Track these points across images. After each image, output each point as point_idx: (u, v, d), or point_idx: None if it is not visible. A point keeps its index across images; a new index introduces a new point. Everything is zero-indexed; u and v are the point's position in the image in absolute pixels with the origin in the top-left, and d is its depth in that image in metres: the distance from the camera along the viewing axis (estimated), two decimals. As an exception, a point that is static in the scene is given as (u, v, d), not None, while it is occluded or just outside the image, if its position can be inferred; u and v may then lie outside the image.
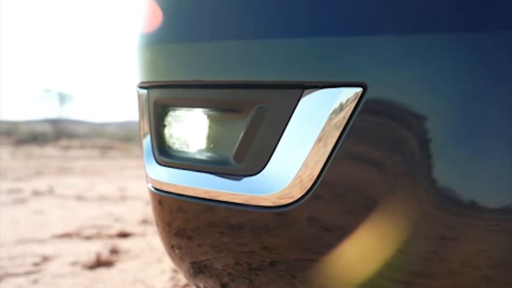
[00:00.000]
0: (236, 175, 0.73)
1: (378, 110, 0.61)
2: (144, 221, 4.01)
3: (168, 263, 2.79)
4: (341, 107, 0.63)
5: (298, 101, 0.67)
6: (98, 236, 3.46)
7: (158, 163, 0.85)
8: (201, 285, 0.89)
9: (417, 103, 0.59)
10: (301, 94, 0.66)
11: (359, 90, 0.62)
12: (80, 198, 5.28)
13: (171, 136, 0.83)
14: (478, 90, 0.57)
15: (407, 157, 0.60)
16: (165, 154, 0.84)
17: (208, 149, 0.78)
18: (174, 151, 0.83)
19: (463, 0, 0.58)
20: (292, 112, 0.67)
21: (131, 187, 6.25)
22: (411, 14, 0.60)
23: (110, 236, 3.46)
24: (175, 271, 2.63)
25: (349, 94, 0.62)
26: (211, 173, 0.76)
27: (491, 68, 0.56)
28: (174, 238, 0.87)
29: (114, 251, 3.03)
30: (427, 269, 0.62)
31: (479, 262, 0.60)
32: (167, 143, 0.84)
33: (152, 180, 0.86)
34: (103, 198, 5.29)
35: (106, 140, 18.56)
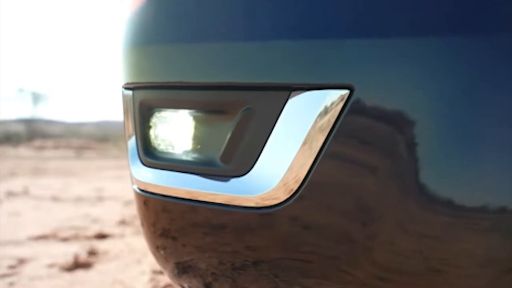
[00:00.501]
0: (223, 176, 0.74)
1: (364, 112, 0.62)
2: (122, 222, 3.98)
3: (147, 264, 2.78)
4: (328, 109, 0.63)
5: (285, 103, 0.67)
6: (75, 237, 3.42)
7: (144, 164, 0.85)
8: (185, 285, 0.89)
9: (403, 105, 0.60)
10: (288, 96, 0.67)
11: (345, 92, 0.62)
12: (56, 199, 5.21)
13: (156, 137, 0.83)
14: (464, 91, 0.58)
15: (394, 159, 0.61)
16: (150, 155, 0.84)
17: (194, 150, 0.78)
18: (160, 152, 0.83)
19: (447, 4, 0.60)
20: (279, 114, 0.68)
21: (108, 187, 6.19)
22: (398, 17, 0.61)
23: (88, 238, 3.42)
24: (155, 272, 2.62)
25: (336, 96, 0.63)
26: (197, 174, 0.77)
27: (477, 70, 0.58)
28: (159, 239, 0.87)
29: (92, 253, 3.00)
30: (413, 268, 0.63)
31: (465, 261, 0.61)
32: (152, 144, 0.84)
33: (137, 181, 0.85)
34: (79, 199, 5.23)
35: (81, 140, 18.32)
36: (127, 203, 4.93)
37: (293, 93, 0.67)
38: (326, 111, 0.63)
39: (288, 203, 0.68)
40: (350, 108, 0.62)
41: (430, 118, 0.59)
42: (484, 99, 0.58)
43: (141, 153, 0.85)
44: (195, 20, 0.75)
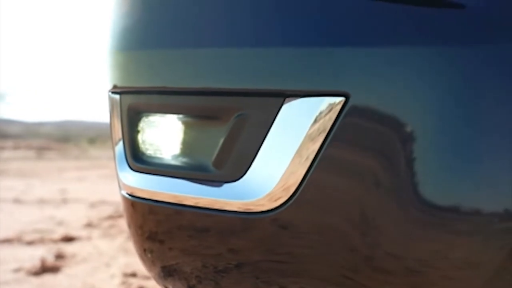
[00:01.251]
0: (215, 181, 0.74)
1: (360, 119, 0.63)
2: (89, 225, 3.92)
3: (117, 267, 2.74)
4: (323, 116, 0.64)
5: (279, 109, 0.68)
6: (41, 240, 3.35)
7: (132, 169, 0.84)
8: (170, 287, 0.90)
9: (399, 112, 0.62)
10: (282, 102, 0.68)
11: (341, 99, 0.64)
12: (17, 201, 5.07)
13: (146, 142, 0.83)
14: (460, 98, 0.60)
15: (389, 166, 0.63)
16: (140, 160, 0.83)
17: (185, 155, 0.78)
18: (149, 157, 0.82)
19: (444, 15, 0.62)
20: (273, 120, 0.69)
21: (72, 189, 6.07)
22: (394, 26, 0.63)
23: (54, 241, 3.35)
24: (125, 275, 2.59)
25: (331, 103, 0.64)
26: (188, 179, 0.77)
27: (472, 77, 0.60)
28: (147, 242, 0.86)
29: (59, 256, 2.94)
30: (407, 271, 0.66)
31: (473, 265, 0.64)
32: (141, 149, 0.83)
33: (126, 186, 0.85)
34: (42, 201, 5.11)
35: (41, 140, 17.87)
36: (92, 205, 4.85)
37: (287, 99, 0.68)
38: (321, 117, 0.65)
39: (282, 208, 0.69)
40: (345, 115, 0.63)
41: (425, 124, 0.61)
42: (481, 105, 0.60)
43: (129, 158, 0.85)
44: (189, 25, 0.75)
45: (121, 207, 3.42)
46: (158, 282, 0.94)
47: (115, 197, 5.27)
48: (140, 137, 0.83)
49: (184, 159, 0.78)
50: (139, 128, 0.83)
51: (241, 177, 0.72)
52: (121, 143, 0.87)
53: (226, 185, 0.73)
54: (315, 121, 0.65)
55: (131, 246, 3.23)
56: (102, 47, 0.95)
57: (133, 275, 2.58)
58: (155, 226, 0.84)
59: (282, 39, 0.68)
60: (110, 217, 4.21)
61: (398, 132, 0.62)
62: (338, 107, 0.64)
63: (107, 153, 13.40)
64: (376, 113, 0.62)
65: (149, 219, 0.84)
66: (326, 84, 0.65)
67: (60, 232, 3.58)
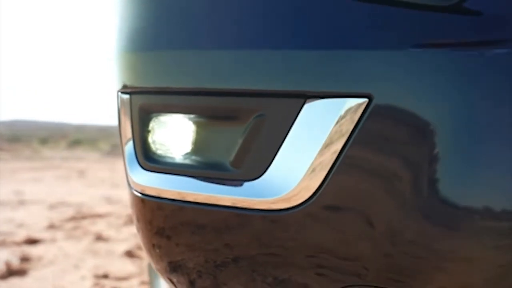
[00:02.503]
0: (234, 180, 0.76)
1: (383, 120, 0.66)
2: (51, 226, 3.83)
3: (87, 269, 2.70)
4: (346, 117, 0.67)
5: (300, 110, 0.71)
6: (3, 243, 3.25)
7: (144, 168, 0.85)
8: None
9: (421, 114, 0.65)
10: (304, 103, 0.70)
11: (364, 100, 0.67)
12: (-28, 203, 4.90)
13: (159, 141, 0.84)
14: (484, 100, 0.63)
15: (412, 168, 0.65)
16: (151, 159, 0.84)
17: (201, 154, 0.79)
18: (162, 156, 0.83)
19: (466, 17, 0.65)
20: (294, 121, 0.71)
21: (28, 190, 5.90)
22: (416, 29, 0.66)
23: (17, 243, 3.27)
24: (97, 276, 2.55)
25: (354, 104, 0.67)
26: (204, 178, 0.79)
27: (494, 78, 0.64)
28: (155, 238, 0.88)
29: (25, 259, 2.87)
30: (425, 271, 0.69)
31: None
32: (154, 148, 0.84)
33: (137, 185, 0.86)
34: (-1, 203, 4.95)
35: (-10, 140, 17.22)
36: (52, 207, 4.74)
37: (308, 100, 0.70)
38: (344, 118, 0.67)
39: (302, 207, 0.71)
40: (368, 116, 0.66)
41: (450, 126, 0.64)
42: (506, 109, 0.64)
43: (140, 157, 0.86)
44: (210, 27, 0.76)
45: (82, 208, 3.38)
46: (163, 276, 0.95)
47: (75, 198, 5.17)
48: (152, 137, 0.84)
49: (200, 158, 0.80)
50: (152, 128, 0.84)
51: (260, 176, 0.74)
52: (131, 142, 0.88)
53: (246, 184, 0.75)
54: (338, 122, 0.68)
55: (99, 247, 3.19)
56: (110, 47, 0.95)
57: (105, 276, 2.55)
58: (164, 223, 0.85)
59: (302, 42, 0.70)
60: (73, 218, 4.13)
61: (420, 134, 0.65)
62: (361, 108, 0.66)
63: (61, 154, 13.08)
64: (399, 114, 0.65)
65: (160, 216, 0.86)
66: (348, 86, 0.67)
67: (22, 235, 3.49)
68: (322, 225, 0.71)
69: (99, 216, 4.24)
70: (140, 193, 0.87)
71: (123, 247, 3.15)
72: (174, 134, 0.82)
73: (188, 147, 0.81)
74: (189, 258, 0.85)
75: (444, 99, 0.64)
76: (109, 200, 5.16)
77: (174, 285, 0.94)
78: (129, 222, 3.98)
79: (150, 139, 0.85)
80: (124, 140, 0.90)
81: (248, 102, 0.74)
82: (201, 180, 0.79)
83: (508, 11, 0.64)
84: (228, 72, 0.75)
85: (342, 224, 0.70)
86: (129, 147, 0.89)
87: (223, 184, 0.77)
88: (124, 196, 5.45)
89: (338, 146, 0.68)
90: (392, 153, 0.66)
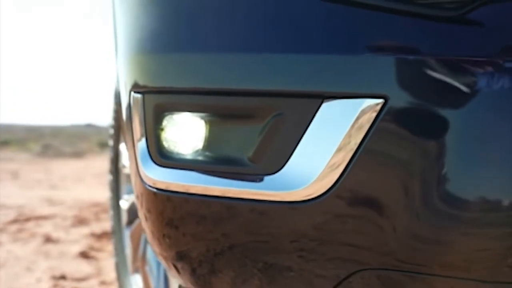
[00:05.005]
0: (252, 175, 0.82)
1: (398, 120, 0.72)
2: (-5, 229, 3.69)
3: (41, 271, 2.65)
4: (363, 117, 0.74)
5: (317, 110, 0.78)
6: None
7: (158, 165, 0.90)
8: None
9: (438, 115, 0.71)
10: (321, 103, 0.77)
11: (381, 101, 0.73)
12: None
13: (174, 139, 0.88)
14: (500, 104, 0.70)
15: (427, 170, 0.72)
16: (167, 156, 0.88)
17: (221, 150, 0.85)
18: (178, 153, 0.88)
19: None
20: (311, 120, 0.77)
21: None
22: (430, 36, 0.73)
23: (-39, 247, 3.13)
24: (55, 278, 2.51)
25: (370, 105, 0.74)
26: (224, 172, 0.84)
27: (506, 85, 0.70)
28: (166, 228, 0.92)
29: (-28, 263, 2.77)
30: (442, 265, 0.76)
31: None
32: (169, 146, 0.89)
33: (151, 180, 0.90)
34: None
35: None
36: (-9, 208, 4.55)
37: (325, 100, 0.77)
38: (360, 118, 0.74)
39: (320, 199, 0.77)
40: (384, 116, 0.73)
41: (465, 128, 0.71)
42: None
43: (154, 154, 0.90)
44: (231, 28, 0.82)
45: (24, 210, 3.30)
46: (168, 263, 0.99)
47: (14, 200, 4.98)
48: (168, 135, 0.89)
49: (218, 155, 0.85)
50: (168, 126, 0.88)
51: (279, 170, 0.81)
52: (143, 140, 0.92)
53: (265, 178, 0.81)
54: (354, 121, 0.74)
55: (50, 249, 3.12)
56: (121, 49, 0.98)
57: (63, 277, 2.51)
58: (175, 214, 0.90)
59: (320, 46, 0.77)
60: (16, 220, 4.00)
61: (437, 135, 0.71)
62: (377, 109, 0.74)
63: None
64: (413, 115, 0.72)
65: (171, 208, 0.90)
66: (365, 87, 0.74)
67: (-36, 238, 3.35)
68: (339, 215, 0.78)
69: (44, 218, 4.12)
70: (153, 187, 0.91)
71: (76, 248, 3.10)
72: (191, 131, 0.87)
73: (206, 143, 0.86)
74: (196, 247, 0.91)
75: (457, 102, 0.71)
76: (50, 202, 5.01)
77: (178, 271, 0.99)
78: (77, 223, 3.90)
79: (165, 137, 0.89)
80: (136, 138, 0.94)
81: (267, 102, 0.80)
82: (219, 175, 0.85)
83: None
84: (249, 74, 0.80)
85: (357, 215, 0.77)
86: (141, 144, 0.93)
87: (241, 178, 0.83)
88: (67, 197, 5.32)
89: (356, 143, 0.74)
90: (406, 151, 0.72)
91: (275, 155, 0.80)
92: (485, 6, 0.72)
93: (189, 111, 0.87)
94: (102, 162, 9.84)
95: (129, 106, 0.96)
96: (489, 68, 0.71)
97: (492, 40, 0.72)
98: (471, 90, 0.71)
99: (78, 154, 12.90)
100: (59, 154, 12.80)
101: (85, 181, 7.03)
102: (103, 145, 15.01)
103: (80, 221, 3.97)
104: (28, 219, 4.05)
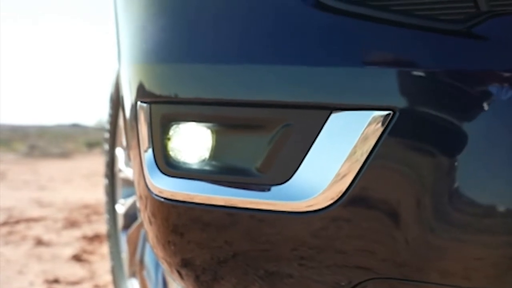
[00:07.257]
0: (260, 184, 0.83)
1: (406, 132, 0.74)
2: (-17, 232, 3.66)
3: (33, 274, 2.63)
4: (371, 128, 0.76)
5: (325, 121, 0.79)
6: None
7: (165, 174, 0.90)
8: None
9: (446, 127, 0.73)
10: (329, 114, 0.77)
11: (389, 113, 0.74)
12: None
13: (185, 149, 0.89)
14: (508, 116, 0.72)
15: (435, 183, 0.73)
16: (177, 166, 0.89)
17: (228, 160, 0.86)
18: (188, 163, 0.89)
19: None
20: (320, 131, 0.79)
21: None
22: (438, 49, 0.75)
23: (-49, 250, 3.10)
24: (48, 281, 2.50)
25: (379, 116, 0.75)
26: (232, 182, 0.85)
27: None
28: (171, 235, 0.93)
29: (-37, 267, 2.74)
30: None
31: None
32: (179, 156, 0.89)
33: (157, 189, 0.91)
34: None
35: None
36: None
37: (334, 111, 0.77)
38: (368, 130, 0.75)
39: (329, 209, 0.78)
40: (392, 128, 0.74)
41: (472, 139, 0.72)
42: None
43: (161, 163, 0.90)
44: (241, 40, 0.83)
45: (13, 212, 3.28)
46: (171, 269, 1.00)
47: (2, 202, 4.94)
48: (175, 144, 0.89)
49: (225, 164, 0.86)
50: (175, 136, 0.89)
51: (287, 181, 0.82)
52: (150, 149, 0.92)
53: (273, 188, 0.82)
54: (363, 133, 0.75)
55: (42, 252, 3.10)
56: (125, 57, 0.99)
57: (56, 281, 2.50)
58: (180, 222, 0.91)
59: (328, 59, 0.78)
60: (5, 223, 3.96)
61: (447, 147, 0.73)
62: (386, 121, 0.75)
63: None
64: (421, 127, 0.73)
65: (177, 216, 0.91)
66: (374, 99, 0.75)
67: (-47, 241, 3.31)
68: (347, 225, 0.79)
69: (34, 220, 4.10)
70: (160, 196, 0.92)
71: (68, 251, 3.09)
72: (199, 141, 0.88)
73: (213, 153, 0.87)
74: (201, 255, 0.92)
75: (464, 114, 0.73)
76: (40, 203, 4.98)
77: (181, 277, 0.99)
78: (68, 225, 3.88)
79: (172, 146, 0.90)
80: (142, 147, 0.95)
81: (276, 113, 0.81)
82: (226, 184, 0.86)
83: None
84: (258, 85, 0.81)
85: (364, 226, 0.78)
86: (148, 153, 0.93)
87: (249, 188, 0.84)
88: (56, 198, 5.28)
89: (364, 154, 0.76)
90: (414, 162, 0.74)
91: (283, 165, 0.81)
92: (491, 19, 0.74)
93: (196, 121, 0.87)
94: (90, 163, 9.79)
95: (135, 115, 0.97)
96: (497, 81, 0.72)
97: (498, 53, 0.74)
98: (479, 102, 0.73)
99: (65, 155, 12.80)
100: (46, 154, 12.68)
101: (73, 182, 6.99)
102: (90, 145, 14.93)
103: (72, 223, 3.95)
104: (18, 222, 4.02)
